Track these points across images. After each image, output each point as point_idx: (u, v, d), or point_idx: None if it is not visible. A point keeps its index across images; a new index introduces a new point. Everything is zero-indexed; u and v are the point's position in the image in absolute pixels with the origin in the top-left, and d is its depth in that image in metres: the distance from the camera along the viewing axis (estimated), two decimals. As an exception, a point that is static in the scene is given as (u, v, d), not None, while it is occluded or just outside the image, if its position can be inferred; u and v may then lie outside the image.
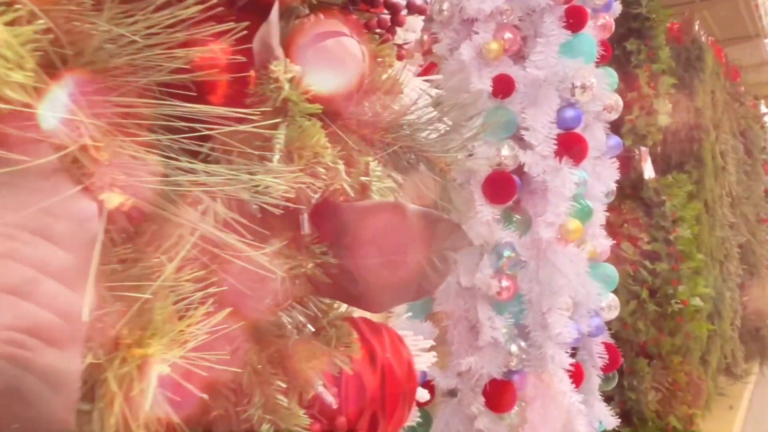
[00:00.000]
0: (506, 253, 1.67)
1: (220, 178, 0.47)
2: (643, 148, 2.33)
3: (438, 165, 0.77)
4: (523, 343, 1.69)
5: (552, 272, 1.60)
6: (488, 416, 1.64)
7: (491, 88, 1.67)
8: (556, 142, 1.62)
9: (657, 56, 2.27)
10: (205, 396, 0.45)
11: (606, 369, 1.82)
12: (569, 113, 1.62)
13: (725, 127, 3.33)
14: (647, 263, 2.27)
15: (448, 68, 1.75)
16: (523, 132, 1.60)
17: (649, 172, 2.32)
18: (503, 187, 1.66)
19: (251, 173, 0.49)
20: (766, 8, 4.33)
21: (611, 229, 2.32)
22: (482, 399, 1.67)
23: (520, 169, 1.66)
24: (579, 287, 1.59)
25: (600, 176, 1.81)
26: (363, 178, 0.63)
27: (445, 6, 1.72)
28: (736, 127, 3.94)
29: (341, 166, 0.59)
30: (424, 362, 0.94)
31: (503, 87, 1.65)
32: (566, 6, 1.62)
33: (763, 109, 5.51)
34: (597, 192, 1.78)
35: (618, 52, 2.35)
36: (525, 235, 1.68)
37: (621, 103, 1.82)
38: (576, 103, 1.63)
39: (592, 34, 1.70)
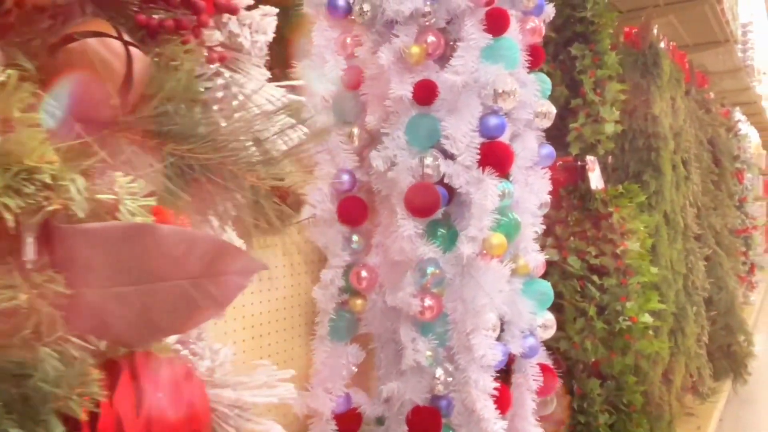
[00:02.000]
0: (430, 269, 1.56)
1: None
2: (590, 158, 2.23)
3: (247, 178, 0.66)
4: (450, 367, 1.58)
5: (475, 290, 1.49)
6: (411, 446, 1.53)
7: (412, 95, 1.57)
8: (479, 151, 1.52)
9: (602, 61, 2.18)
10: None
11: (541, 392, 1.71)
12: (492, 121, 1.52)
13: (688, 135, 3.24)
14: (595, 278, 2.17)
15: (369, 73, 1.66)
16: (443, 141, 1.49)
17: (596, 182, 2.22)
18: (426, 199, 1.56)
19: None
20: (733, 13, 4.27)
21: (558, 242, 2.22)
22: (405, 428, 1.56)
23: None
24: (502, 306, 1.48)
25: (532, 187, 1.71)
26: (107, 197, 0.52)
27: (367, 7, 1.62)
28: (703, 135, 3.86)
29: (75, 183, 0.49)
30: (268, 396, 0.83)
31: (425, 93, 1.55)
32: (487, 9, 1.52)
33: (737, 116, 5.45)
34: (528, 204, 1.68)
35: (563, 57, 2.27)
36: (450, 250, 1.58)
37: (553, 110, 1.72)
38: (499, 110, 1.53)
39: (518, 38, 1.60)
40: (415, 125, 1.55)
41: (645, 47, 2.85)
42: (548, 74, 2.24)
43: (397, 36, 1.56)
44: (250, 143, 0.67)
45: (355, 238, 1.75)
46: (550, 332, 1.74)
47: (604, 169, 2.38)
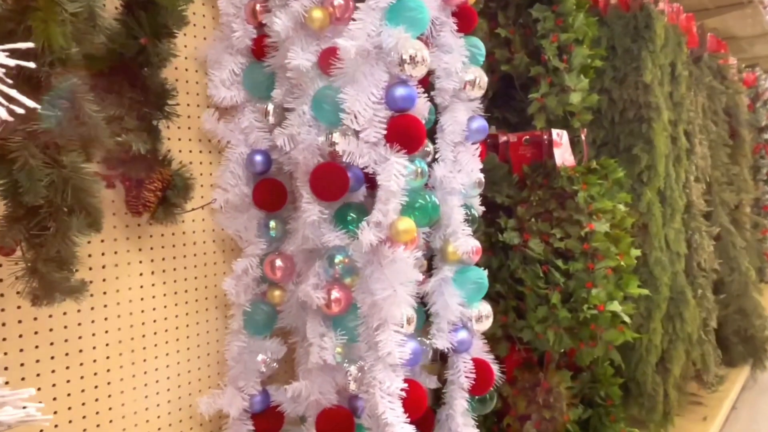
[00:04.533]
0: (337, 258, 1.42)
1: None
2: (556, 131, 2.03)
3: None
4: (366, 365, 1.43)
5: (381, 281, 1.34)
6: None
7: (318, 64, 1.42)
8: (385, 126, 1.36)
9: (567, 24, 1.97)
10: None
11: (474, 390, 1.56)
12: (399, 91, 1.35)
13: (691, 104, 2.98)
14: (560, 263, 1.98)
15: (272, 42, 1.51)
16: (342, 116, 1.34)
17: (562, 158, 2.03)
18: (333, 181, 1.41)
19: None
20: (754, -28, 3.95)
21: (520, 224, 2.04)
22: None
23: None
24: (408, 298, 1.33)
25: (461, 165, 1.54)
26: None
27: (272, -31, 1.47)
28: (718, 104, 3.57)
29: None
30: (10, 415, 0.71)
31: (330, 62, 1.39)
32: (391, -37, 1.35)
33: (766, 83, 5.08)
34: (455, 184, 1.51)
35: (524, 20, 2.06)
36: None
37: (485, 78, 1.54)
38: (408, 79, 1.36)
39: (436, -2, 1.43)
40: (322, 98, 1.39)
41: (636, 9, 2.61)
42: (506, 40, 2.06)
43: (297, -1, 1.40)
44: None
45: (272, 224, 1.61)
46: (486, 324, 1.58)
47: (586, 144, 2.17)
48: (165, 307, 1.54)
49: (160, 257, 1.52)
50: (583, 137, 2.20)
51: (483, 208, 1.66)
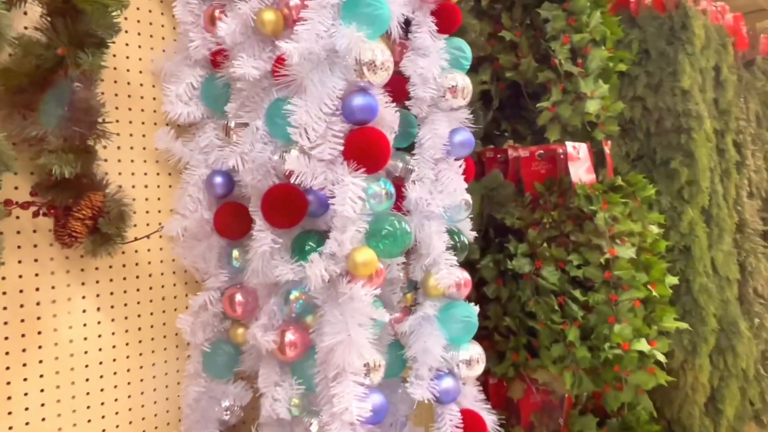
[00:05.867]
0: (293, 294, 1.24)
1: None
2: (572, 144, 1.80)
3: None
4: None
5: (335, 322, 1.14)
6: None
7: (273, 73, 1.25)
8: (342, 142, 1.17)
9: (580, 23, 1.74)
10: None
11: (462, 447, 1.33)
12: (357, 101, 1.16)
13: (741, 112, 2.68)
14: (577, 294, 1.73)
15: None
16: (290, 130, 1.16)
17: (579, 174, 1.79)
18: (287, 205, 1.23)
19: None
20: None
21: (532, 250, 1.81)
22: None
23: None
24: (365, 342, 1.12)
25: (444, 185, 1.33)
26: None
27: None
28: (774, 112, 3.23)
29: None
30: None
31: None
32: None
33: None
34: (435, 207, 1.30)
35: (531, 21, 1.84)
36: (322, 269, 1.23)
37: (468, 84, 1.33)
38: (369, 87, 1.17)
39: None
40: (276, 112, 1.22)
41: (672, 9, 2.35)
42: (513, 44, 1.85)
43: (246, 0, 1.24)
44: None
45: (235, 253, 1.44)
46: (477, 369, 1.36)
47: (610, 158, 1.92)
48: (114, 347, 1.38)
49: (107, 291, 1.37)
50: (607, 150, 1.96)
51: (474, 233, 1.44)
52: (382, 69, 1.15)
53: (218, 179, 1.42)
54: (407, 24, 1.33)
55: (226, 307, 1.39)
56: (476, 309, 1.37)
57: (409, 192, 1.30)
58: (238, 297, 1.38)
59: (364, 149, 1.16)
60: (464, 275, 1.36)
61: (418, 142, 1.34)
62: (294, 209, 1.22)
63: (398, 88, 1.32)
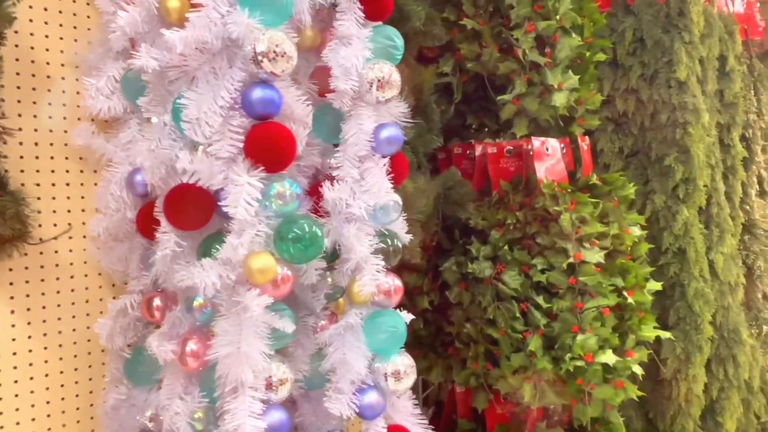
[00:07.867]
0: (197, 300, 1.16)
1: None
2: (537, 140, 1.67)
3: None
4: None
5: (226, 333, 1.06)
6: None
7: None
8: (242, 139, 1.08)
9: (547, 9, 1.61)
10: None
11: (387, 467, 1.24)
12: (256, 94, 1.08)
13: (749, 106, 2.50)
14: (541, 300, 1.61)
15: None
16: (183, 125, 1.08)
17: (546, 172, 1.66)
18: (192, 205, 1.15)
19: None
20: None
21: (493, 252, 1.70)
22: None
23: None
24: (257, 355, 1.04)
25: (369, 185, 1.23)
26: None
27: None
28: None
29: None
30: None
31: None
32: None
33: None
34: (356, 209, 1.21)
35: (494, 8, 1.71)
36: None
37: (395, 76, 1.23)
38: (270, 78, 1.08)
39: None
40: (182, 107, 1.14)
41: (669, -6, 2.19)
42: (475, 33, 1.73)
43: (147, -15, 1.16)
44: None
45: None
46: (407, 381, 1.26)
47: (588, 154, 1.79)
48: (30, 351, 1.32)
49: (23, 293, 1.32)
50: (584, 146, 1.83)
51: (412, 237, 1.34)
52: (282, 58, 1.06)
53: (139, 177, 1.35)
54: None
55: (143, 311, 1.32)
56: (407, 317, 1.27)
57: (325, 192, 1.20)
58: (156, 301, 1.31)
59: (264, 146, 1.08)
60: (395, 281, 1.26)
61: (342, 138, 1.25)
62: (198, 210, 1.14)
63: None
